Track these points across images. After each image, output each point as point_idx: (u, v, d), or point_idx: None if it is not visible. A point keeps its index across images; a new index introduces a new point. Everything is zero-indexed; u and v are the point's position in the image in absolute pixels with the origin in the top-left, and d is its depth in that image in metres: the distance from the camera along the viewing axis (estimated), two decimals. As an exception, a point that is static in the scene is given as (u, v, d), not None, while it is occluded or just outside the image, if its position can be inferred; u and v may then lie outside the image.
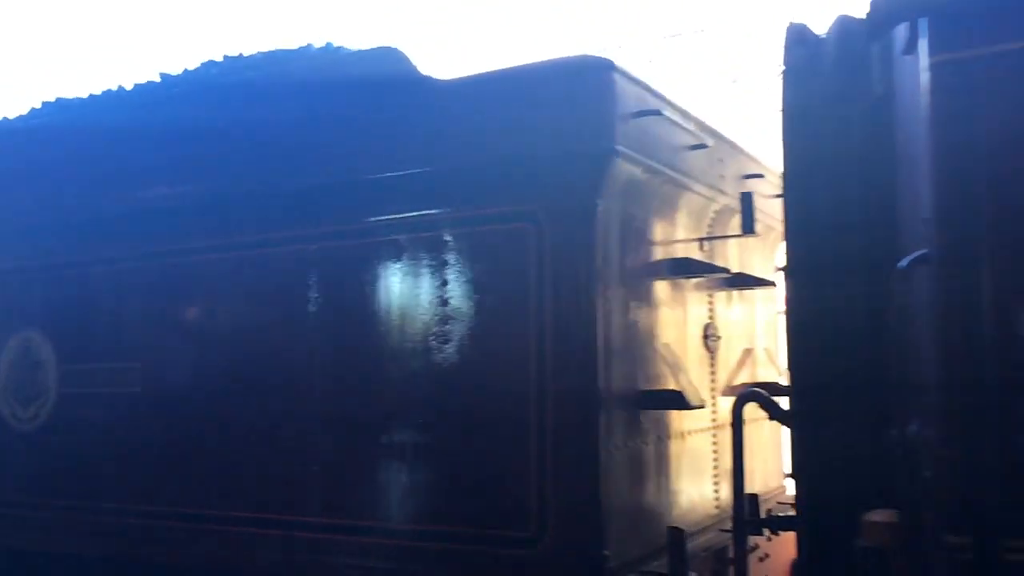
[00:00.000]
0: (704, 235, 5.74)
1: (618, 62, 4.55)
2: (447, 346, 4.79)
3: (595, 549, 4.29)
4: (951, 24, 3.28)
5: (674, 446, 5.15)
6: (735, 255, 6.11)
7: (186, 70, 5.97)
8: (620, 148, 4.48)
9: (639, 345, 4.83)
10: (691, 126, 5.28)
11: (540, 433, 4.48)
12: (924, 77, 3.31)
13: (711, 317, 5.79)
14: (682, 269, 5.25)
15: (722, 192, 5.71)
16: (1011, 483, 3.10)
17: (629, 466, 4.62)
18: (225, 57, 5.81)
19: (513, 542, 4.49)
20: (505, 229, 4.68)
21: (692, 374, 5.31)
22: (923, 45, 3.33)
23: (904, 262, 3.42)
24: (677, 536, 4.46)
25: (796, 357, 4.33)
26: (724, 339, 5.89)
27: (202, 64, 5.95)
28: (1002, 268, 3.11)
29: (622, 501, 4.53)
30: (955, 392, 3.13)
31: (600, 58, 4.52)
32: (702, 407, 5.01)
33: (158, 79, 5.91)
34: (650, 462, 4.87)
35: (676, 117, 5.03)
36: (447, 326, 4.78)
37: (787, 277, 4.54)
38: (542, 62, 4.64)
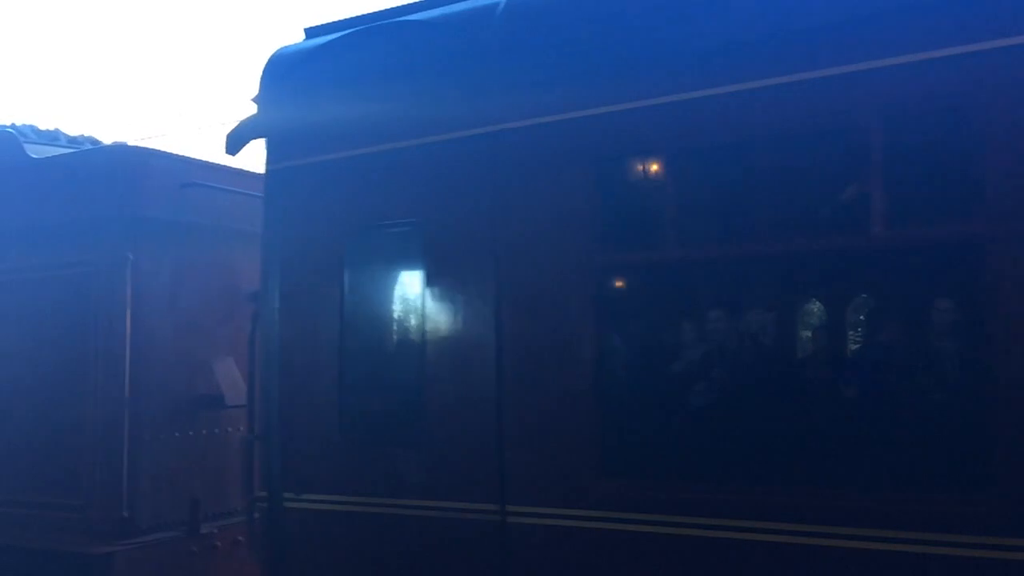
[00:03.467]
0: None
1: (157, 147, 6.10)
2: (49, 360, 6.27)
3: (116, 512, 5.79)
4: (277, 144, 4.85)
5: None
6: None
7: None
8: (152, 214, 6.01)
9: (194, 359, 6.33)
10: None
11: (93, 427, 5.98)
12: (266, 179, 4.89)
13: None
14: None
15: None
16: (285, 461, 4.66)
17: (167, 452, 6.12)
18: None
19: (72, 508, 5.99)
20: (84, 272, 6.17)
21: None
22: (266, 157, 4.90)
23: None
24: (193, 503, 6.02)
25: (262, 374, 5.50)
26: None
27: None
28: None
29: (155, 477, 6.03)
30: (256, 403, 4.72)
31: (134, 147, 6.06)
32: (242, 406, 6.50)
33: None
34: (204, 449, 6.36)
35: (239, 186, 6.55)
36: (48, 344, 6.27)
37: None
38: (97, 148, 6.17)
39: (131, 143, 6.51)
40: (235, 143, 4.96)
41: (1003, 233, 3.02)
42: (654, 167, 3.71)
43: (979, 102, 3.09)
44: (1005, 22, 3.09)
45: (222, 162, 6.58)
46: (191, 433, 6.32)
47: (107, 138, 7.79)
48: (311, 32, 5.25)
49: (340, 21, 5.26)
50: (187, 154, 6.38)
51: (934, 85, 3.15)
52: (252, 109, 4.97)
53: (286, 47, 5.05)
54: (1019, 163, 3.01)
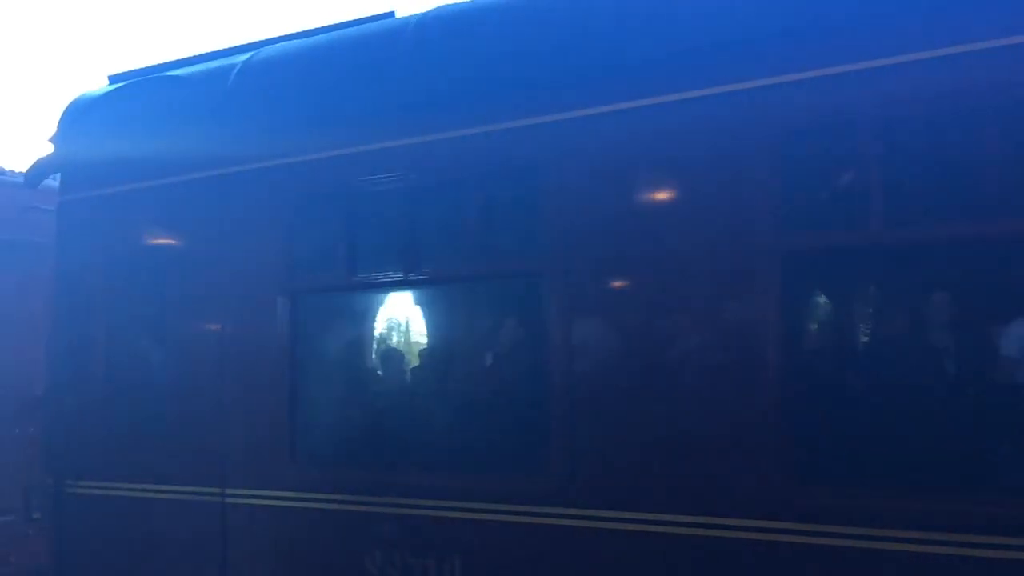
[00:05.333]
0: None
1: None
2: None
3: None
4: (68, 178, 5.62)
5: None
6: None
7: None
8: (-7, 233, 6.78)
9: (37, 363, 7.07)
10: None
11: (-62, 424, 6.76)
12: (58, 208, 5.65)
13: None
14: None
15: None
16: (67, 452, 5.42)
17: (6, 446, 6.88)
18: None
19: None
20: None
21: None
22: (60, 189, 5.67)
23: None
24: (25, 490, 6.76)
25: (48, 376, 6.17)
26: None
27: None
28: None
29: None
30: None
31: (-27, 174, 6.83)
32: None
33: None
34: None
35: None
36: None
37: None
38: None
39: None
40: (34, 177, 5.72)
41: (552, 269, 3.84)
42: (331, 209, 4.50)
43: (539, 165, 3.90)
44: (565, 102, 3.89)
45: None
46: (31, 430, 7.08)
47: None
48: (113, 78, 6.02)
49: (141, 69, 6.02)
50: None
51: (508, 151, 3.96)
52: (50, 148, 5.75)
53: (83, 94, 5.81)
54: (563, 214, 3.82)
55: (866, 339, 3.64)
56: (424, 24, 4.33)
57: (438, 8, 4.50)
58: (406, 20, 4.48)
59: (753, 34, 3.50)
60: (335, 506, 4.39)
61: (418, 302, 4.46)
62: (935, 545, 3.24)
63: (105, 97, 5.62)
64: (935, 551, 3.23)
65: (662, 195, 3.61)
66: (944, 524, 3.21)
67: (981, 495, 3.23)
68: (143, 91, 5.49)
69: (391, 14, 5.18)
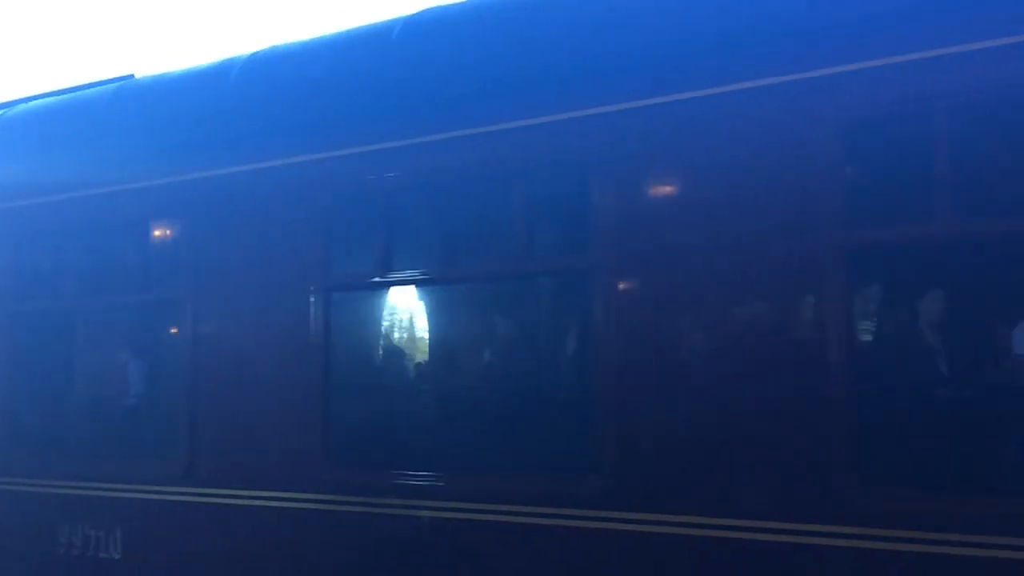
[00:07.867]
0: None
1: None
2: None
3: None
4: None
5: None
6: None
7: None
8: None
9: None
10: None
11: None
12: None
13: None
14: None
15: None
16: None
17: None
18: None
19: None
20: None
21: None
22: None
23: None
24: None
25: None
26: None
27: None
28: None
29: None
30: None
31: None
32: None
33: None
34: None
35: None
36: None
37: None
38: None
39: None
40: None
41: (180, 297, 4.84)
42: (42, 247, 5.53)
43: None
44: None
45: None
46: None
47: None
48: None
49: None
50: None
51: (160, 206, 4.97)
52: None
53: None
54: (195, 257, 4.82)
55: (388, 353, 4.67)
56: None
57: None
58: (101, 90, 5.48)
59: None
60: (40, 489, 5.36)
61: (91, 324, 5.51)
62: (453, 512, 4.16)
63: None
64: (452, 517, 4.16)
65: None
66: (460, 495, 4.14)
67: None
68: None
69: (131, 76, 6.18)
